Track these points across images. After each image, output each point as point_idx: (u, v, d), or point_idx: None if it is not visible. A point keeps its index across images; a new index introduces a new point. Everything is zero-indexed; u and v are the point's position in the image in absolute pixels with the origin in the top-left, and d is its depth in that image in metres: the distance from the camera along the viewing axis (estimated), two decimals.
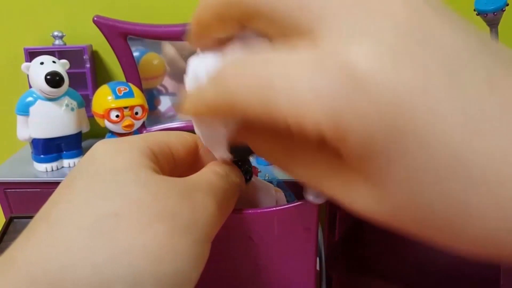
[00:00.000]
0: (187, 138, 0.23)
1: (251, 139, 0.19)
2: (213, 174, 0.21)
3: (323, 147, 0.15)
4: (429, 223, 0.13)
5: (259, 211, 0.25)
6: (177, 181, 0.19)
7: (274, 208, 0.25)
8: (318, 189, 0.17)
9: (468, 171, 0.12)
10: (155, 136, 0.21)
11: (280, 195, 0.27)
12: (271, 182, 0.46)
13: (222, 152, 0.21)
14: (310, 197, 0.24)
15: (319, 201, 0.25)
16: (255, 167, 0.27)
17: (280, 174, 0.48)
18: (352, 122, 0.12)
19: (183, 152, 0.22)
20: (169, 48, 0.58)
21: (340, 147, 0.13)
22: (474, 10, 0.45)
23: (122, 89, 0.51)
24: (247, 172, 0.24)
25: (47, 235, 0.16)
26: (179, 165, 0.22)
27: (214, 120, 0.19)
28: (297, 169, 0.17)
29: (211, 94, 0.16)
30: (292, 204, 0.25)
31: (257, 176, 0.27)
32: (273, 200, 0.27)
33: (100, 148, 0.19)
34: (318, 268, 0.33)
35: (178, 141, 0.22)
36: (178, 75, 0.59)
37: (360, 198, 0.15)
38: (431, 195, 0.12)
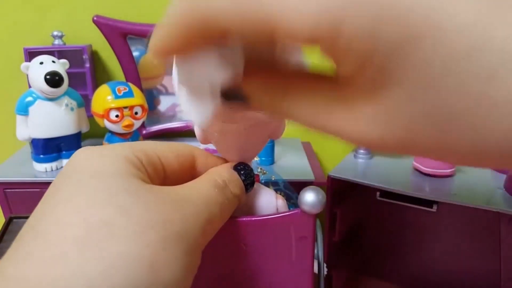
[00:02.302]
0: (181, 149, 0.22)
1: (246, 80, 0.17)
2: (211, 184, 0.20)
3: (320, 78, 0.14)
4: (444, 139, 0.12)
5: (253, 219, 0.25)
6: (167, 190, 0.18)
7: (269, 217, 0.25)
8: (320, 128, 0.15)
9: (488, 62, 0.10)
10: (142, 144, 0.20)
11: (282, 202, 0.27)
12: (277, 182, 0.45)
13: (209, 103, 0.18)
14: (305, 207, 0.24)
15: (315, 210, 0.24)
16: (257, 174, 0.27)
17: (286, 175, 0.48)
18: (351, 14, 0.11)
19: (176, 163, 0.21)
20: None
21: (338, 52, 0.12)
22: None
23: (122, 89, 0.51)
24: (249, 180, 0.23)
25: (36, 249, 0.15)
26: (170, 176, 0.21)
27: (195, 56, 0.17)
28: (294, 107, 0.15)
29: (182, 17, 0.14)
30: (288, 213, 0.25)
31: (259, 182, 0.27)
32: (274, 207, 0.27)
33: (82, 155, 0.18)
34: (316, 271, 0.32)
35: (169, 151, 0.21)
36: None
37: (364, 123, 0.13)
38: (448, 99, 0.11)
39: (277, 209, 0.26)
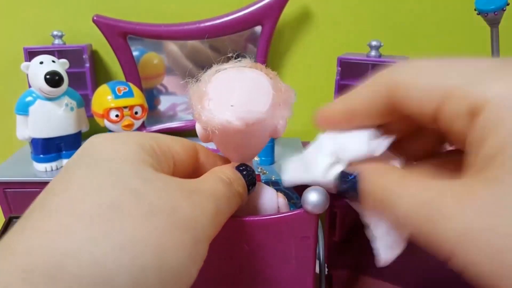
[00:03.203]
0: (186, 141, 0.23)
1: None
2: (217, 179, 0.21)
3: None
4: None
5: (256, 218, 0.25)
6: (178, 180, 0.19)
7: (272, 216, 0.25)
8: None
9: None
10: (155, 135, 0.21)
11: (283, 200, 0.27)
12: (277, 182, 0.45)
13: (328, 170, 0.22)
14: (309, 207, 0.24)
15: (318, 210, 0.24)
16: (258, 174, 0.27)
17: (281, 174, 0.48)
18: None
19: (184, 155, 0.22)
20: (171, 46, 0.58)
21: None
22: (475, 9, 0.45)
23: (122, 88, 0.51)
24: (251, 181, 0.23)
25: (45, 225, 0.15)
26: (179, 167, 0.22)
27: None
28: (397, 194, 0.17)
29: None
30: (291, 213, 0.25)
31: (260, 181, 0.27)
32: (275, 205, 0.27)
33: (97, 140, 0.19)
34: (318, 271, 0.32)
35: (177, 143, 0.22)
36: (180, 73, 0.59)
37: (469, 211, 0.14)
38: None
39: (278, 207, 0.26)
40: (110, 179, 0.16)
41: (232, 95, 0.22)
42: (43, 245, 0.14)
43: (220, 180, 0.21)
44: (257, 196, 0.26)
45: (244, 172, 0.23)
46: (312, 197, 0.24)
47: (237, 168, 0.23)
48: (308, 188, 0.25)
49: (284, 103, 0.22)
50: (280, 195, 0.27)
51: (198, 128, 0.24)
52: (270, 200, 0.26)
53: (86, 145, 0.19)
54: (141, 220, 0.16)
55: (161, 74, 0.60)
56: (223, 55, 0.24)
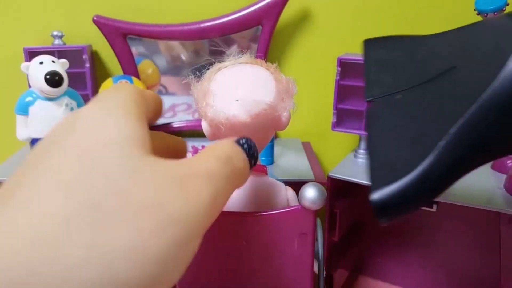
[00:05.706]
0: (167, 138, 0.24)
1: None
2: (214, 157, 0.18)
3: None
4: None
5: (254, 215, 0.25)
6: (170, 165, 0.16)
7: (269, 213, 0.25)
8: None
9: None
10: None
11: (292, 193, 0.27)
12: None
13: None
14: (306, 203, 0.24)
15: (315, 206, 0.24)
16: (264, 166, 0.27)
17: (286, 175, 0.48)
18: None
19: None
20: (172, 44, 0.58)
21: None
22: (475, 10, 0.45)
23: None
24: (252, 156, 0.20)
25: (9, 223, 0.13)
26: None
27: None
28: None
29: None
30: (288, 209, 0.25)
31: (266, 174, 0.27)
32: (285, 198, 0.27)
33: (85, 115, 0.16)
34: (316, 270, 0.32)
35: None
36: (178, 71, 0.59)
37: None
38: None
39: (288, 200, 0.27)
40: (93, 171, 0.14)
41: (236, 90, 0.22)
42: (4, 251, 0.12)
43: (217, 157, 0.18)
44: (266, 190, 0.26)
45: (245, 146, 0.20)
46: (309, 193, 0.24)
47: (236, 141, 0.20)
48: (306, 184, 0.25)
49: (286, 94, 0.23)
50: (289, 188, 0.27)
51: (205, 126, 0.24)
52: (280, 194, 0.26)
53: (70, 119, 0.16)
54: (125, 223, 0.13)
55: (156, 84, 0.60)
56: (223, 53, 0.24)
